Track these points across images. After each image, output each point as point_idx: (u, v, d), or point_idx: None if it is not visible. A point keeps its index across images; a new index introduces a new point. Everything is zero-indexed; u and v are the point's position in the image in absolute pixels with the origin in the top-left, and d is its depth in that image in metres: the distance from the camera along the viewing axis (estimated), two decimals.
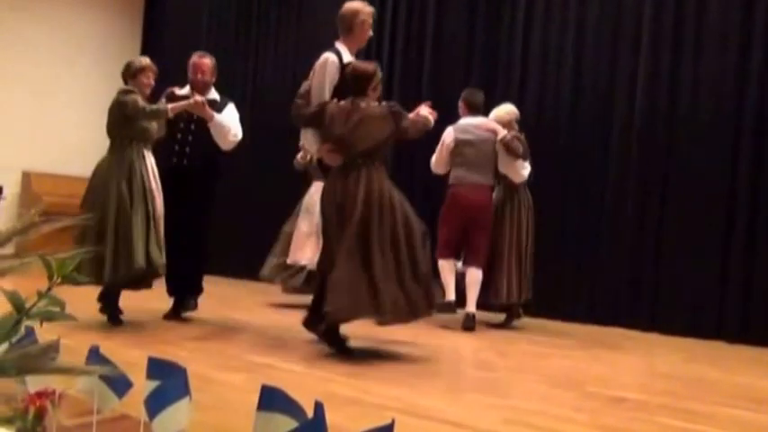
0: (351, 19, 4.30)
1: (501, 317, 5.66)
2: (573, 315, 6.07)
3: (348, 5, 4.37)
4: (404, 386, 3.27)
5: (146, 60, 4.61)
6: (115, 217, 4.23)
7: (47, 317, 1.37)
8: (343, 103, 4.02)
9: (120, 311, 4.51)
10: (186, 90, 4.88)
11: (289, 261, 5.93)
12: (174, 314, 4.84)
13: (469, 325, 5.17)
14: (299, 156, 6.18)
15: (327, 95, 4.12)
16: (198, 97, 4.63)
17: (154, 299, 4.77)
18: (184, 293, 4.86)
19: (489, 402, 3.11)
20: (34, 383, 1.78)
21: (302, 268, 5.91)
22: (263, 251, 6.28)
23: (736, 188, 5.53)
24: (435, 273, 4.82)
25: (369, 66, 4.10)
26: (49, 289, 1.37)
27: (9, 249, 1.56)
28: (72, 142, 8.78)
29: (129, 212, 4.24)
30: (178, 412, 1.71)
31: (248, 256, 6.51)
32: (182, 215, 4.60)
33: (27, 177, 8.75)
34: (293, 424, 1.49)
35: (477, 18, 6.97)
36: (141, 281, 4.45)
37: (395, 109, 4.02)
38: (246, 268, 6.38)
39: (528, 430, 2.68)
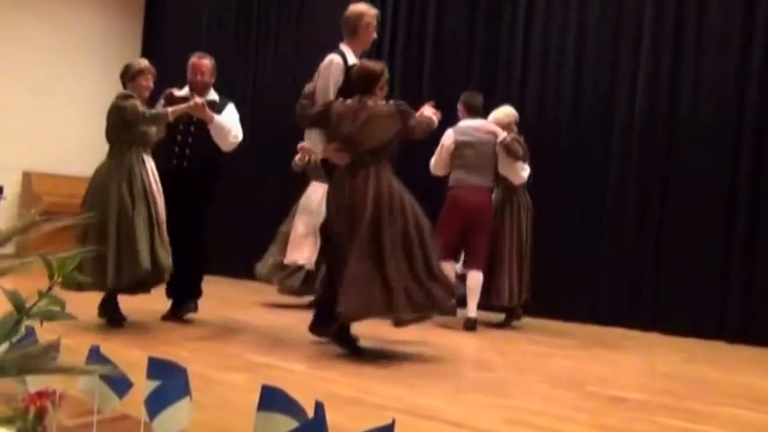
0: (355, 21, 4.31)
1: (501, 316, 5.66)
2: (573, 315, 6.07)
3: (353, 8, 4.39)
4: (404, 386, 3.27)
5: (144, 62, 4.58)
6: (116, 220, 4.19)
7: (47, 316, 1.36)
8: (349, 101, 4.01)
9: (121, 314, 4.49)
10: (185, 91, 4.85)
11: (286, 261, 5.93)
12: (173, 315, 4.82)
13: (470, 325, 5.17)
14: (297, 157, 6.18)
15: (332, 97, 4.12)
16: (197, 99, 4.59)
17: (153, 300, 4.77)
18: (183, 295, 4.85)
19: (490, 402, 3.11)
20: (34, 383, 1.78)
21: (299, 268, 5.91)
22: (264, 251, 6.28)
23: (737, 189, 5.53)
24: None
25: (376, 65, 4.11)
26: (50, 288, 1.36)
27: (9, 249, 1.56)
28: (72, 142, 8.77)
29: (130, 215, 4.20)
30: (178, 412, 1.71)
31: (248, 256, 6.50)
32: (182, 217, 4.57)
33: (27, 177, 8.75)
34: (294, 424, 1.49)
35: (477, 16, 6.96)
36: (144, 285, 4.41)
37: (402, 108, 4.02)
38: (246, 268, 6.38)
39: (528, 430, 2.68)
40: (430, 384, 3.37)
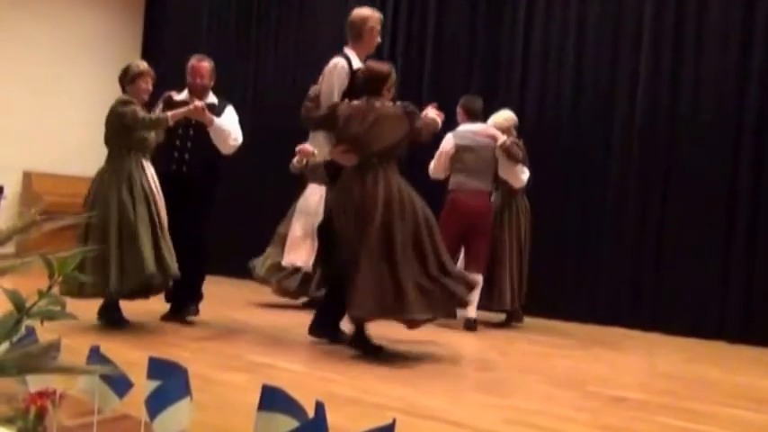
0: (360, 25, 4.33)
1: (501, 316, 5.66)
2: (574, 314, 6.06)
3: (357, 12, 4.40)
4: (405, 386, 3.27)
5: (144, 65, 4.52)
6: (118, 225, 4.16)
7: (47, 316, 1.36)
8: (357, 102, 4.01)
9: (123, 316, 4.47)
10: (184, 94, 4.80)
11: (284, 262, 5.93)
12: (172, 316, 4.80)
13: (471, 325, 5.17)
14: (295, 159, 6.17)
15: (336, 99, 4.12)
16: (197, 102, 4.54)
17: (153, 300, 4.75)
18: (183, 297, 4.82)
19: (490, 402, 3.11)
20: (35, 383, 1.78)
21: (297, 270, 5.91)
22: (264, 251, 6.27)
23: (738, 187, 5.53)
24: None
25: (384, 66, 4.11)
26: (50, 288, 1.36)
27: (10, 248, 1.56)
28: (72, 142, 8.77)
29: (132, 220, 4.17)
30: (179, 412, 1.71)
31: (248, 256, 6.49)
32: (181, 221, 4.53)
33: (28, 177, 8.75)
34: (294, 424, 1.49)
35: (478, 17, 6.96)
36: (147, 291, 4.35)
37: (409, 109, 4.03)
38: (247, 268, 6.38)
39: (529, 430, 2.68)
40: (430, 384, 3.37)
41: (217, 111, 4.71)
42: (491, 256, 5.39)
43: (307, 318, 4.47)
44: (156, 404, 1.72)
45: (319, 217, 5.88)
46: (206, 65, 4.80)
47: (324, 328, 4.29)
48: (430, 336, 4.70)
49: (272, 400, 1.53)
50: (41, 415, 1.69)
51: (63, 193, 8.18)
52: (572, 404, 3.13)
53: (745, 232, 5.47)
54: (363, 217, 3.81)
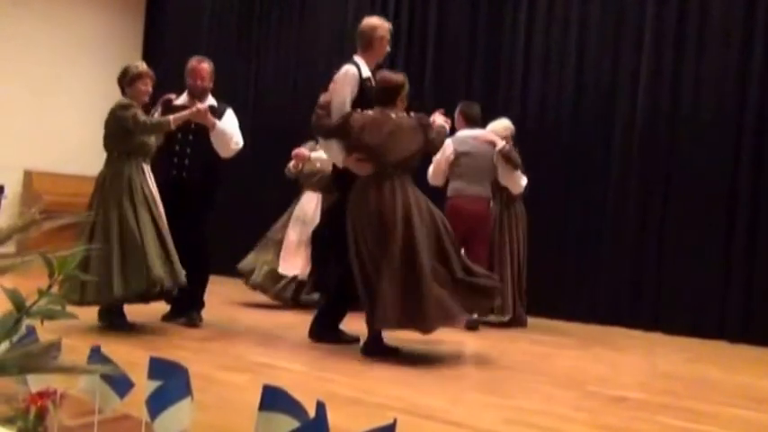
0: (370, 34, 4.36)
1: (503, 317, 5.66)
2: (574, 314, 6.06)
3: (367, 21, 4.44)
4: (405, 386, 3.27)
5: (143, 66, 4.46)
6: (119, 230, 4.12)
7: (47, 315, 1.36)
8: (371, 112, 4.00)
9: (127, 320, 4.45)
10: (184, 98, 4.74)
11: (281, 270, 5.92)
12: (173, 316, 4.79)
13: (472, 325, 5.17)
14: (291, 164, 6.15)
15: (348, 107, 4.12)
16: (200, 105, 4.49)
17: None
18: (184, 298, 4.79)
19: (490, 402, 3.11)
20: (35, 383, 1.78)
21: (293, 279, 5.90)
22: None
23: (738, 187, 5.52)
24: None
25: (398, 76, 4.12)
26: (50, 287, 1.36)
27: (10, 247, 1.56)
28: (72, 142, 8.77)
29: (134, 224, 4.12)
30: (180, 412, 1.71)
31: None
32: (182, 227, 4.48)
33: (28, 176, 8.77)
34: (295, 424, 1.49)
35: (479, 18, 6.95)
36: (153, 294, 4.27)
37: (424, 121, 4.05)
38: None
39: (529, 430, 2.67)
40: (431, 384, 3.37)
41: (217, 114, 4.65)
42: (491, 262, 5.39)
43: (307, 318, 4.46)
44: (157, 404, 1.72)
45: (315, 224, 5.89)
46: (206, 66, 4.74)
47: (323, 331, 4.29)
48: (431, 336, 4.69)
49: (273, 400, 1.53)
50: (42, 415, 1.68)
51: (63, 193, 8.21)
52: (572, 404, 3.13)
53: (745, 232, 5.47)
54: (383, 228, 3.81)
